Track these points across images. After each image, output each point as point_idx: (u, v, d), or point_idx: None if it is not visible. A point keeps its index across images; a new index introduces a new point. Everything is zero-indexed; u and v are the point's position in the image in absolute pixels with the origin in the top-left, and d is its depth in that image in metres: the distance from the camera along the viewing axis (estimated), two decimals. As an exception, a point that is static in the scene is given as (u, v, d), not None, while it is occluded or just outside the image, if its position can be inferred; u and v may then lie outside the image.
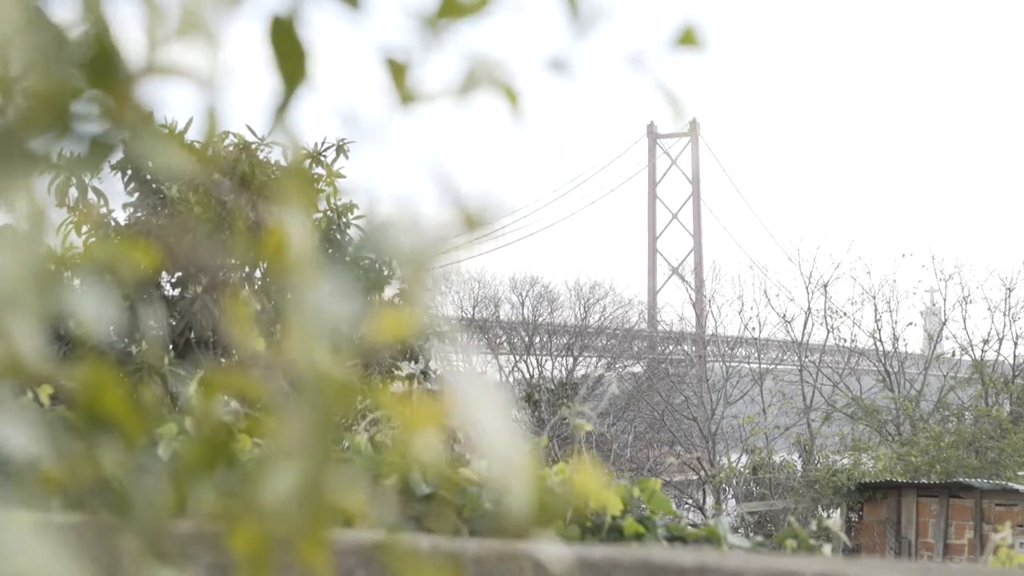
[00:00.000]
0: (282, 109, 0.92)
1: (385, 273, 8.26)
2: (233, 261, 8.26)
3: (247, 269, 8.66)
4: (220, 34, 0.88)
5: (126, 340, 8.12)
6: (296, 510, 0.79)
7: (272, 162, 8.79)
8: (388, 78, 0.94)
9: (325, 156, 9.34)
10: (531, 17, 1.00)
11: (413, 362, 9.71)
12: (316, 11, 0.92)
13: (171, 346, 8.76)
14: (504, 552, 0.90)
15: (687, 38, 1.09)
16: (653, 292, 49.98)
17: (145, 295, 8.47)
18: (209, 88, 0.88)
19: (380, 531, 0.97)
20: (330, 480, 0.80)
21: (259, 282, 8.43)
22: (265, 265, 8.14)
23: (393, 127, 0.94)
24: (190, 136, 8.31)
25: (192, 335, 8.69)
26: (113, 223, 9.10)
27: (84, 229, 8.88)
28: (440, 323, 10.14)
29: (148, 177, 8.83)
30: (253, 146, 8.86)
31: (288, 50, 0.92)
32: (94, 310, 0.80)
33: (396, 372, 9.43)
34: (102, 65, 0.82)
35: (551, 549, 0.98)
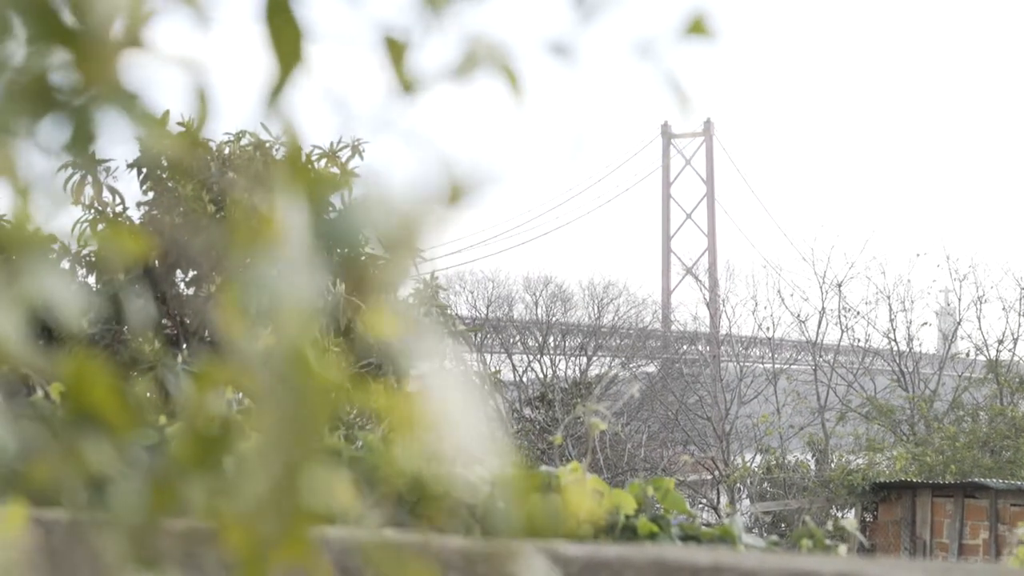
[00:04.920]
0: (277, 92, 0.89)
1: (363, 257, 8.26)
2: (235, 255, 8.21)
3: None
4: (210, 10, 0.85)
5: (125, 335, 8.10)
6: (271, 510, 0.76)
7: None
8: (386, 59, 0.91)
9: (340, 155, 9.33)
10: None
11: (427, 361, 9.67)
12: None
13: (184, 344, 8.75)
14: (492, 551, 0.87)
15: (697, 27, 1.06)
16: (667, 292, 49.97)
17: (157, 294, 8.46)
18: (197, 69, 0.85)
19: (368, 529, 0.94)
20: (308, 480, 0.77)
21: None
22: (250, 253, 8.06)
23: (391, 112, 0.91)
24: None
25: (207, 334, 8.68)
26: (128, 222, 9.10)
27: (100, 228, 8.88)
28: (454, 322, 10.12)
29: (163, 175, 8.82)
30: (268, 145, 8.85)
31: (284, 30, 0.88)
32: (72, 297, 0.78)
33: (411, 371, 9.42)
34: (79, 27, 0.79)
35: (533, 559, 0.95)
